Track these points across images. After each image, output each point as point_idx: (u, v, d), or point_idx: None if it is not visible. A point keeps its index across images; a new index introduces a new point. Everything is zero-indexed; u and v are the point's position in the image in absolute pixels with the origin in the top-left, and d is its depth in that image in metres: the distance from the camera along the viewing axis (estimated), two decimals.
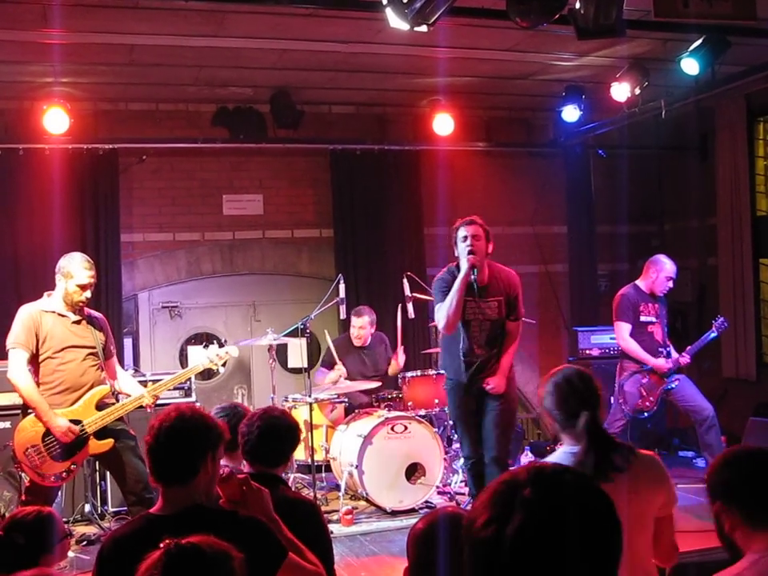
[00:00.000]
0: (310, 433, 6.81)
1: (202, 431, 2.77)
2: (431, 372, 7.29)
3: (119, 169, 8.20)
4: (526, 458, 8.28)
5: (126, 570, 2.12)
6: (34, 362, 5.33)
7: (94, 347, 5.45)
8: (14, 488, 6.25)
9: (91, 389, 5.39)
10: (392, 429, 6.76)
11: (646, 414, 7.08)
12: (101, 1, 5.81)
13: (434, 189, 8.65)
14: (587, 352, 8.74)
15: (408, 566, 2.31)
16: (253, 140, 8.52)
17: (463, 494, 6.87)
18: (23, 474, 5.55)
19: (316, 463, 6.87)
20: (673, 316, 9.12)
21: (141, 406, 5.56)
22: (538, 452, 8.74)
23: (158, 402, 5.67)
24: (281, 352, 8.26)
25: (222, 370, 8.34)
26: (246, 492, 2.78)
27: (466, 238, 5.69)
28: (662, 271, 7.14)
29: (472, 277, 5.62)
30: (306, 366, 7.10)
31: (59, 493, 6.00)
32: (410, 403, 7.20)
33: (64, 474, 5.29)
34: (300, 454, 7.28)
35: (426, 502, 6.77)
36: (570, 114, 8.53)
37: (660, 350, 7.13)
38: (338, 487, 6.94)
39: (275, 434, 3.42)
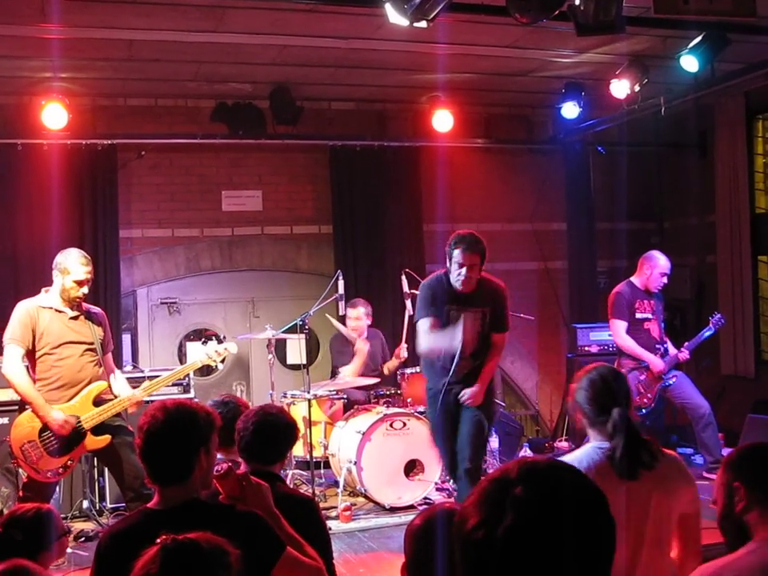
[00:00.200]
0: (308, 429, 6.81)
1: (191, 429, 2.73)
2: None
3: (118, 164, 8.18)
4: (525, 454, 8.28)
5: (124, 566, 2.11)
6: (31, 357, 5.33)
7: (91, 343, 5.45)
8: (12, 484, 6.24)
9: (89, 385, 5.39)
10: (391, 425, 6.76)
11: (643, 410, 7.07)
12: None
13: (434, 185, 8.65)
14: (586, 349, 8.75)
15: (405, 563, 2.30)
16: (252, 136, 8.51)
17: None
18: (21, 470, 5.55)
19: (315, 459, 6.87)
20: (672, 313, 9.13)
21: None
22: (536, 448, 8.76)
23: (156, 396, 5.67)
24: (279, 348, 8.26)
25: (220, 366, 8.35)
26: (246, 487, 2.78)
27: (461, 266, 5.42)
28: (656, 267, 7.13)
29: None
30: (304, 362, 7.10)
31: (57, 489, 6.00)
32: (408, 399, 7.21)
33: (60, 469, 5.29)
34: (299, 451, 7.29)
35: (425, 498, 6.77)
36: (570, 110, 8.52)
37: (657, 346, 7.13)
38: (336, 484, 6.95)
39: (271, 432, 3.42)
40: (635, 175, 9.47)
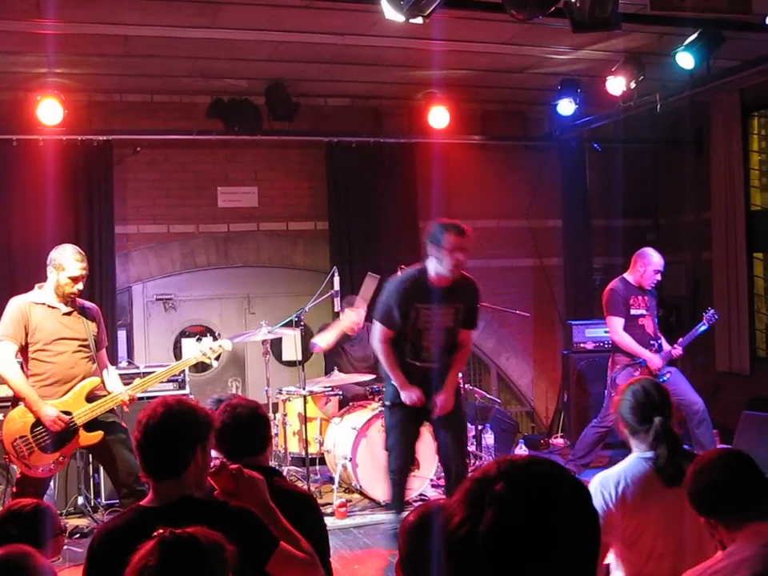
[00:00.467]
0: (304, 425, 6.82)
1: (189, 424, 2.75)
2: None
3: (113, 160, 8.18)
4: (521, 451, 8.29)
5: (117, 562, 2.12)
6: (24, 354, 5.32)
7: (85, 339, 5.44)
8: (5, 479, 6.24)
9: (82, 381, 5.38)
10: None
11: None
12: None
13: (429, 182, 8.64)
14: (581, 345, 8.76)
15: (399, 559, 2.30)
16: (248, 132, 8.50)
17: None
18: (14, 466, 5.54)
19: (310, 456, 6.88)
20: (667, 310, 9.14)
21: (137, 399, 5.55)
22: (532, 445, 8.77)
23: (150, 393, 5.66)
24: (275, 344, 8.26)
25: (215, 363, 8.36)
26: (240, 482, 2.78)
27: (455, 249, 5.23)
28: (649, 264, 7.13)
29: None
30: (300, 358, 7.10)
31: (52, 485, 5.99)
32: None
33: (52, 465, 5.28)
34: (294, 447, 7.30)
35: (420, 494, 6.78)
36: (566, 107, 8.53)
37: (651, 342, 7.13)
38: (331, 480, 6.95)
39: (246, 421, 3.38)
40: (631, 172, 9.48)
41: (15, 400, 5.34)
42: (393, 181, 8.93)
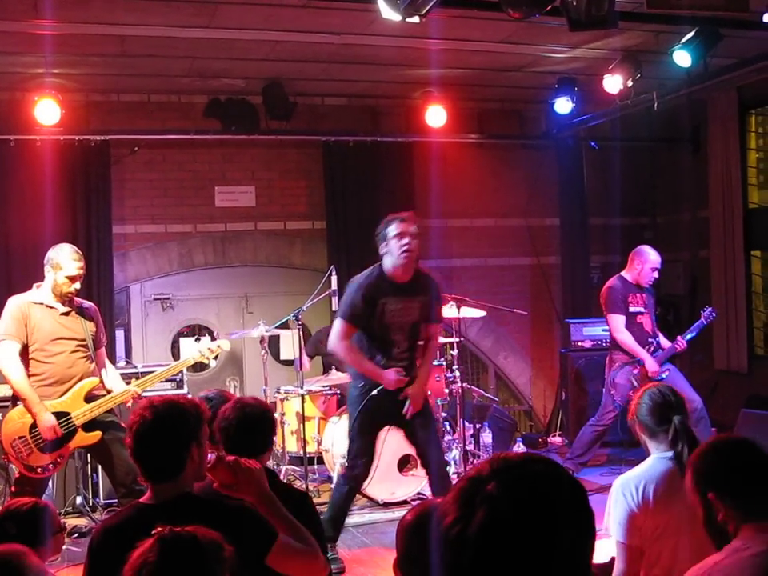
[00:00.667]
0: (302, 424, 6.81)
1: (179, 424, 2.73)
2: None
3: (111, 160, 8.17)
4: (519, 449, 8.30)
5: (117, 560, 2.13)
6: (23, 354, 5.31)
7: (83, 339, 5.44)
8: (4, 479, 6.24)
9: (80, 381, 5.38)
10: None
11: None
12: None
13: (427, 181, 8.65)
14: (579, 344, 8.76)
15: (397, 558, 2.31)
16: (245, 131, 8.50)
17: None
18: (12, 466, 5.54)
19: (308, 455, 6.87)
20: (665, 308, 9.15)
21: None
22: (530, 443, 8.78)
23: (149, 392, 5.66)
24: (273, 344, 8.26)
25: (213, 363, 8.36)
26: (238, 473, 2.77)
27: (403, 235, 5.32)
28: (646, 262, 7.14)
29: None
30: (298, 357, 7.10)
31: (51, 485, 5.99)
32: None
33: (51, 465, 5.28)
34: (292, 446, 7.30)
35: (419, 493, 6.78)
36: (563, 106, 8.52)
37: (650, 339, 7.14)
38: (330, 479, 6.95)
39: (253, 422, 3.39)
40: (628, 170, 9.48)
41: (14, 400, 5.34)
42: (390, 180, 8.93)
